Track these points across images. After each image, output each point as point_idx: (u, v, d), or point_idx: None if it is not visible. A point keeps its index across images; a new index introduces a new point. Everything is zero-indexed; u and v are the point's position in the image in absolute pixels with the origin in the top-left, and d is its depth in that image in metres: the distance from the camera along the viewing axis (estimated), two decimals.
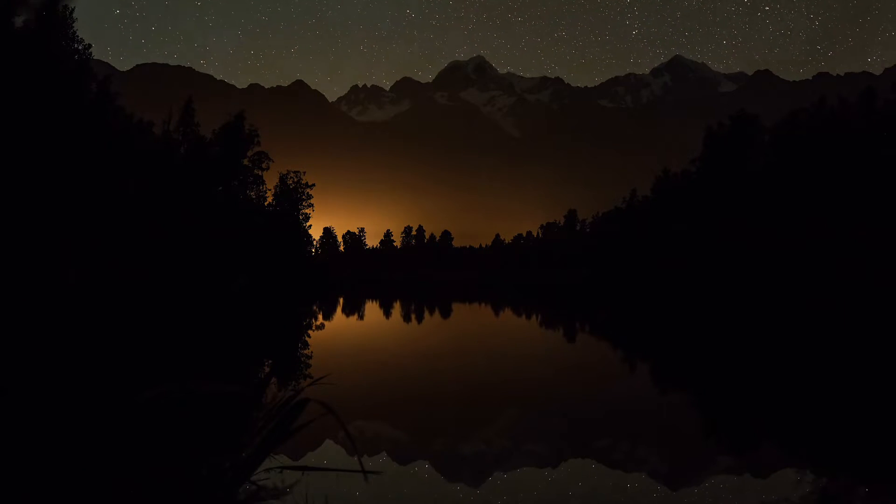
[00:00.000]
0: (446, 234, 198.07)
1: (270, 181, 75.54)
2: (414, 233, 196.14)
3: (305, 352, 17.27)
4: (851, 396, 11.96)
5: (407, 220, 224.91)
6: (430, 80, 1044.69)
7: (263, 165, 70.15)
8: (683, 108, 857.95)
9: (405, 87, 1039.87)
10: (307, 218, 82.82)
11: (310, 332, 23.62)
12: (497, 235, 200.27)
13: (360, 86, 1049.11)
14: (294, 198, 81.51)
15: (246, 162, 68.11)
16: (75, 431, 2.93)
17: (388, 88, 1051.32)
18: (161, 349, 3.55)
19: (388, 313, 36.07)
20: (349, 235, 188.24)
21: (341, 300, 48.54)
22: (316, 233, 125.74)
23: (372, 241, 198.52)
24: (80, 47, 41.25)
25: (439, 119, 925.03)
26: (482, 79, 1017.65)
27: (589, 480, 6.91)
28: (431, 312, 37.04)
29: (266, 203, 76.38)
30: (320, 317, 31.96)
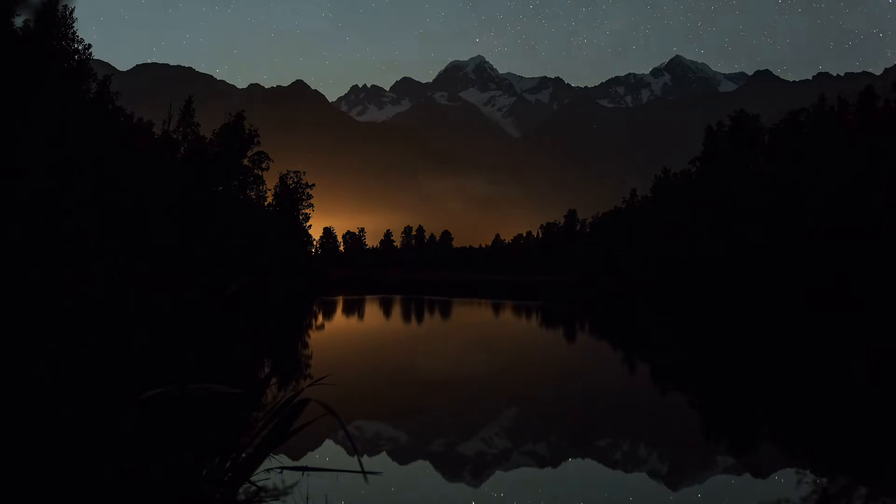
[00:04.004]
0: (446, 234, 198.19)
1: (270, 181, 75.63)
2: (414, 233, 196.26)
3: (305, 352, 17.26)
4: (851, 396, 11.95)
5: (407, 220, 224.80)
6: (430, 80, 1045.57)
7: (263, 165, 70.19)
8: (683, 108, 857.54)
9: (405, 87, 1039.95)
10: (307, 218, 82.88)
11: (310, 332, 23.63)
12: (497, 235, 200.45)
13: (360, 86, 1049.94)
14: (294, 198, 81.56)
15: (246, 162, 68.14)
16: (75, 432, 2.93)
17: (388, 88, 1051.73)
18: (161, 350, 3.55)
19: (388, 313, 36.07)
20: (349, 235, 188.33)
21: (341, 300, 48.52)
22: (316, 233, 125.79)
23: (372, 241, 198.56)
24: (80, 47, 41.28)
25: (439, 119, 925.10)
26: (482, 79, 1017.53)
27: (589, 480, 6.91)
28: (431, 312, 37.03)
29: (266, 203, 76.41)
30: (320, 317, 31.96)
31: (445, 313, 36.97)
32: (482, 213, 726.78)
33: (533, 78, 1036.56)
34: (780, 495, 6.28)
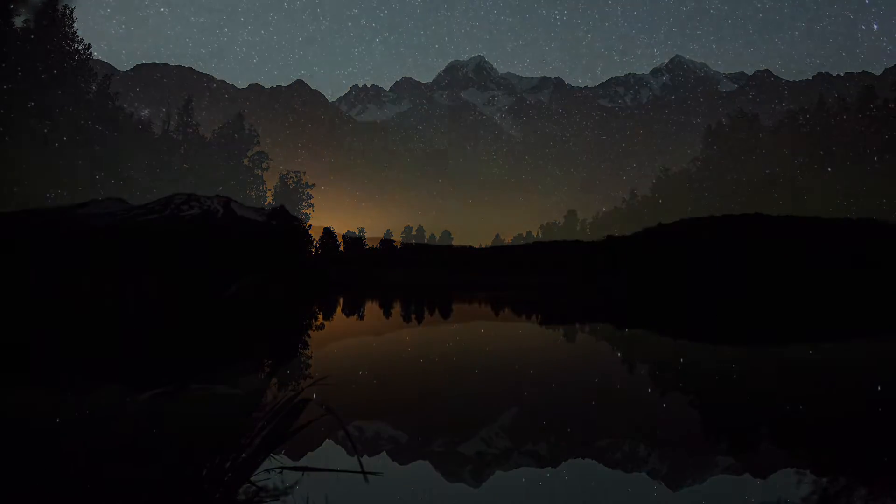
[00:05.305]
0: (446, 234, 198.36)
1: (270, 181, 75.72)
2: (414, 232, 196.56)
3: (305, 352, 17.27)
4: (852, 396, 11.96)
5: (407, 220, 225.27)
6: (430, 81, 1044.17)
7: (263, 165, 70.56)
8: (683, 108, 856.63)
9: (405, 87, 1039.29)
10: (307, 218, 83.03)
11: (310, 332, 23.64)
12: (497, 235, 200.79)
13: (360, 86, 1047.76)
14: (294, 198, 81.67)
15: (246, 162, 68.28)
16: (75, 432, 2.94)
17: (388, 88, 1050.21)
18: (161, 350, 3.55)
19: (387, 313, 36.06)
20: (349, 235, 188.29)
21: (341, 300, 48.50)
22: (316, 233, 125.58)
23: (372, 241, 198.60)
24: (80, 47, 41.34)
25: (439, 119, 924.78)
26: (482, 79, 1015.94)
27: (588, 480, 6.91)
28: (431, 312, 37.02)
29: (266, 203, 76.53)
30: (320, 317, 31.97)
31: (445, 313, 36.94)
32: (482, 213, 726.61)
33: (533, 78, 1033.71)
34: (780, 495, 6.28)
